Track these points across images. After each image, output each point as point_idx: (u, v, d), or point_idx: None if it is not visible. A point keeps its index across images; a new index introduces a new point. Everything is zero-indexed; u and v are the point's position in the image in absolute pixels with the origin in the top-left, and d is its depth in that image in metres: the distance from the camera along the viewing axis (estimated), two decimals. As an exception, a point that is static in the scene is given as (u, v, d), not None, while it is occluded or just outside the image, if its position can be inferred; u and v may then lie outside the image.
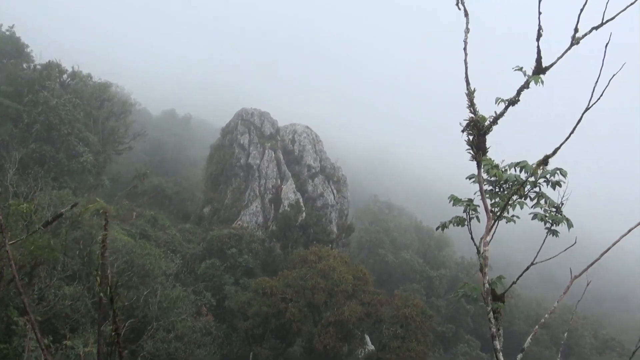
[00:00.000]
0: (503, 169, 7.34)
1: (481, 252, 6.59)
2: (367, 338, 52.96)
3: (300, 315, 45.13)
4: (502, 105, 6.67)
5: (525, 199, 7.42)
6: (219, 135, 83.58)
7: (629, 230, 6.34)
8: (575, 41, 6.45)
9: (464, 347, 67.12)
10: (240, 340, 48.20)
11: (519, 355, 6.49)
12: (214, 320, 47.08)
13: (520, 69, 6.65)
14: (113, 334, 3.90)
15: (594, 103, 6.18)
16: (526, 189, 7.39)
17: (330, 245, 62.41)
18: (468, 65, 6.65)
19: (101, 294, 3.77)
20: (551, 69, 6.56)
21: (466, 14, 6.80)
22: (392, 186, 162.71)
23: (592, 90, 6.15)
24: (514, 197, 7.29)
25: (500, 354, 6.33)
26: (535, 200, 7.47)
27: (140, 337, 36.03)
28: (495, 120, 6.62)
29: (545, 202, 7.43)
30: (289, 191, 73.41)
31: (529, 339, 6.79)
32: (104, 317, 4.08)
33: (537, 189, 7.43)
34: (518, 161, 7.29)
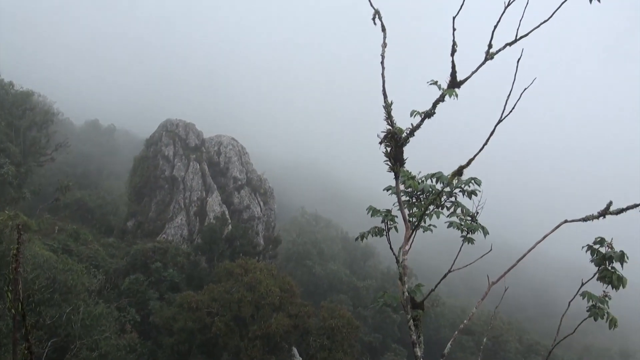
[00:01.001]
0: (420, 180, 7.52)
1: (400, 262, 6.74)
2: (295, 350, 52.78)
3: (226, 330, 44.61)
4: (419, 118, 6.84)
5: (442, 209, 7.62)
6: (143, 146, 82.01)
7: (544, 237, 6.59)
8: (489, 56, 6.66)
9: (390, 356, 67.63)
10: (165, 357, 47.23)
11: (439, 361, 6.66)
12: (138, 337, 45.95)
13: (435, 82, 6.83)
14: (26, 352, 3.77)
15: (507, 115, 6.41)
16: (443, 199, 7.59)
17: (257, 258, 62.03)
18: (385, 78, 6.80)
19: (13, 311, 3.66)
20: (468, 82, 6.77)
21: (383, 29, 6.96)
22: (319, 198, 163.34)
23: (504, 104, 6.38)
24: (431, 207, 7.48)
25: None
26: (451, 210, 7.68)
27: (63, 356, 34.91)
28: (412, 132, 6.79)
29: (462, 211, 7.64)
30: (215, 203, 72.67)
31: (449, 344, 6.97)
32: (21, 336, 3.97)
33: (453, 199, 7.64)
34: (434, 172, 7.48)
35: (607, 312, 6.54)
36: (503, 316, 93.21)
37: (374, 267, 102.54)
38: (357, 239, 8.06)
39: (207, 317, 45.04)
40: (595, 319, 6.53)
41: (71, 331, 36.14)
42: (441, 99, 6.74)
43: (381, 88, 6.78)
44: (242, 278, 46.81)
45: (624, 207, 6.05)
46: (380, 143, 6.85)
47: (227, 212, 72.06)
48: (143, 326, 49.40)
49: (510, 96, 6.31)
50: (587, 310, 6.60)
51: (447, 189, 7.49)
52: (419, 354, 6.47)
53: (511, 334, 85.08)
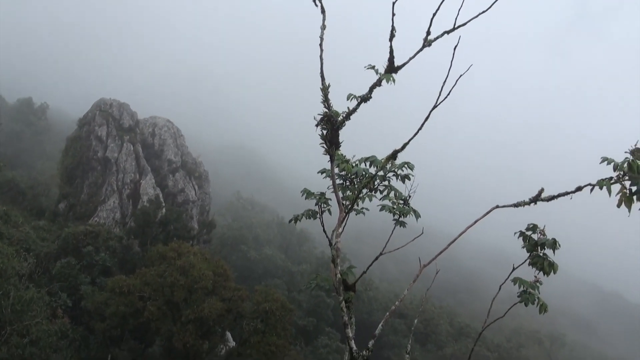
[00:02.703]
0: (354, 164, 7.56)
1: (333, 244, 6.76)
2: (229, 334, 52.65)
3: (159, 314, 44.08)
4: (355, 102, 6.85)
5: (375, 192, 7.67)
6: (76, 126, 79.76)
7: (475, 222, 6.70)
8: (427, 43, 6.70)
9: (324, 340, 68.22)
10: (97, 342, 46.45)
11: (371, 342, 6.72)
12: (70, 322, 45.02)
13: (373, 67, 6.84)
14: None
15: (441, 101, 6.48)
16: (376, 183, 7.65)
17: (191, 242, 61.38)
18: (324, 61, 6.78)
19: None
20: (407, 68, 6.80)
21: (323, 11, 6.92)
22: (255, 182, 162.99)
23: (440, 90, 6.45)
24: (364, 190, 7.53)
25: (352, 341, 6.52)
26: (385, 193, 7.74)
27: (-7, 342, 33.95)
28: (348, 116, 6.80)
29: (395, 195, 7.71)
30: (148, 186, 71.54)
31: (380, 325, 7.04)
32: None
33: (386, 183, 7.71)
34: (368, 156, 7.52)
35: (538, 298, 6.69)
36: (435, 300, 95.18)
37: (309, 251, 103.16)
38: (290, 221, 8.06)
39: (139, 302, 44.41)
40: (526, 305, 6.68)
41: (1, 317, 35.18)
42: (378, 83, 6.75)
43: (319, 70, 6.76)
44: (175, 262, 46.26)
45: (555, 194, 6.19)
46: (317, 126, 6.83)
47: (161, 196, 71.08)
48: (75, 311, 48.46)
49: (446, 83, 6.38)
50: (518, 296, 6.74)
51: (381, 173, 7.54)
52: (350, 334, 6.52)
53: (442, 317, 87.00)
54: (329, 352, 65.17)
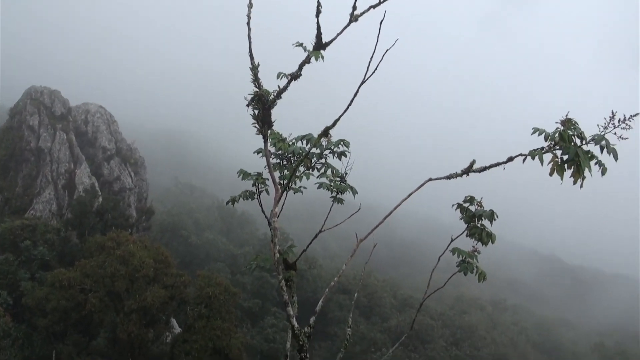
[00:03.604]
0: (290, 142, 7.52)
1: (271, 224, 6.73)
2: (174, 321, 52.31)
3: (101, 306, 43.41)
4: (286, 80, 6.79)
5: (312, 170, 7.66)
6: (8, 116, 76.98)
7: (409, 195, 6.76)
8: (353, 18, 6.67)
9: (271, 320, 68.42)
10: (41, 339, 45.47)
11: (312, 318, 6.74)
12: (12, 320, 43.94)
13: (301, 44, 6.78)
14: None
15: (370, 76, 6.48)
16: (313, 161, 7.64)
17: (130, 230, 60.50)
18: (252, 40, 6.69)
19: None
20: (336, 44, 6.77)
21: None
22: (193, 166, 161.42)
23: (367, 65, 6.45)
24: (301, 169, 7.51)
25: (294, 319, 6.53)
26: (322, 171, 7.74)
27: None
28: (279, 95, 6.74)
29: (332, 172, 7.72)
30: (84, 176, 69.90)
31: (320, 301, 7.07)
32: None
33: (323, 160, 7.71)
34: (304, 134, 7.49)
35: (477, 267, 6.82)
36: (378, 274, 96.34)
37: (251, 233, 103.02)
38: (227, 202, 7.99)
39: (80, 295, 43.65)
40: (465, 274, 6.79)
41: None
42: (307, 60, 6.70)
43: (248, 50, 6.67)
44: (115, 252, 45.50)
45: (487, 165, 6.29)
46: (248, 106, 6.77)
47: (97, 184, 69.62)
48: (16, 309, 47.26)
49: (373, 58, 6.37)
50: (457, 265, 6.85)
51: (317, 151, 7.53)
52: (291, 312, 6.52)
53: (386, 290, 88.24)
54: (275, 332, 65.42)
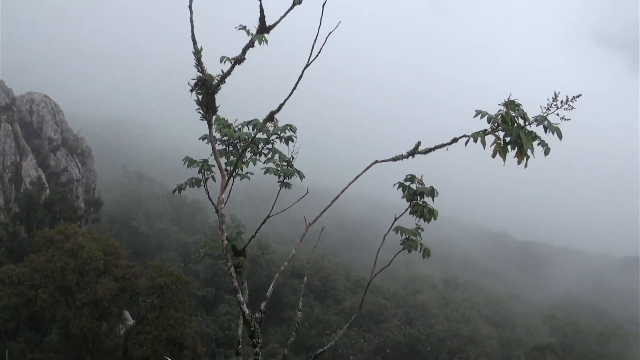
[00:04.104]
0: (236, 128, 7.45)
1: (218, 210, 6.66)
2: (127, 313, 51.75)
3: (52, 301, 42.61)
4: (229, 64, 6.70)
5: (259, 156, 7.63)
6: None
7: (356, 178, 6.76)
8: (297, 1, 6.60)
9: (225, 307, 68.26)
10: (-8, 339, 44.49)
11: (262, 304, 6.72)
12: (-36, 322, 42.83)
13: (244, 28, 6.69)
14: None
15: (313, 60, 6.44)
16: (260, 146, 7.59)
17: (78, 223, 59.44)
18: (194, 23, 6.57)
19: None
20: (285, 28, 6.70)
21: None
22: (141, 155, 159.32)
23: (311, 48, 6.41)
24: (248, 155, 7.46)
25: (244, 305, 6.49)
26: (269, 156, 7.72)
27: None
28: (222, 79, 6.64)
29: (279, 157, 7.70)
30: (30, 168, 68.26)
31: (270, 287, 7.06)
32: None
33: (270, 146, 7.67)
34: (250, 119, 7.43)
35: (420, 244, 6.88)
36: (330, 257, 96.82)
37: (203, 221, 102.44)
38: (174, 191, 7.90)
39: (30, 290, 42.69)
40: (409, 251, 6.85)
41: None
42: (251, 44, 6.62)
43: (190, 34, 6.55)
44: (64, 245, 44.65)
45: (432, 146, 6.33)
46: (192, 91, 6.65)
47: (43, 176, 68.09)
48: (-33, 309, 46.04)
49: (317, 41, 6.34)
50: (401, 244, 6.90)
51: (264, 136, 7.50)
52: (241, 299, 6.48)
53: (339, 272, 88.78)
54: (230, 319, 65.28)
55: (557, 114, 5.71)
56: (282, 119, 7.31)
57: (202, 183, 7.60)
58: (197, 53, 6.59)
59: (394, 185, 6.91)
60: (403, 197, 6.85)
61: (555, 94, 5.75)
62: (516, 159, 5.79)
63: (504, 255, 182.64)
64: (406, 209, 6.84)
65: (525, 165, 5.78)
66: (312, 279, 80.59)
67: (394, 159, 6.55)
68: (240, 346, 6.96)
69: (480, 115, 5.79)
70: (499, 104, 5.82)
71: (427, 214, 6.73)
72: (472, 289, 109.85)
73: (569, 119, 5.69)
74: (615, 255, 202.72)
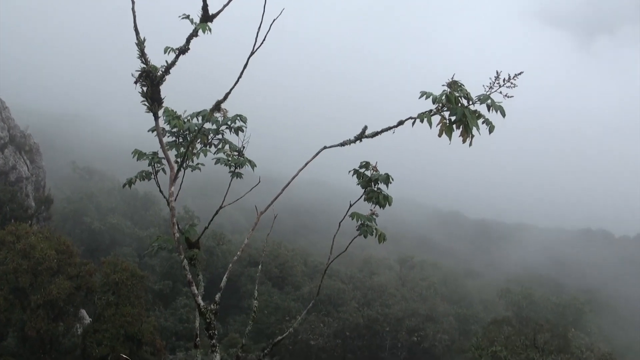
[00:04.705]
0: (185, 119, 7.39)
1: (169, 203, 6.61)
2: (83, 312, 51.01)
3: (6, 304, 41.70)
4: (174, 55, 6.63)
5: (209, 147, 7.58)
6: None
7: (306, 164, 6.77)
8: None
9: (183, 300, 67.73)
10: (-56, 348, 43.41)
11: (217, 295, 6.70)
12: None
13: (187, 16, 6.62)
14: None
15: (258, 47, 6.42)
16: (210, 137, 7.55)
17: (29, 222, 58.25)
18: (136, 13, 6.47)
19: None
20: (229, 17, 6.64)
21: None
22: (90, 150, 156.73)
23: (255, 36, 6.39)
24: (198, 146, 7.41)
25: (199, 297, 6.47)
26: (220, 147, 7.68)
27: None
28: (167, 70, 6.57)
29: (229, 147, 7.67)
30: (-23, 168, 66.49)
31: (224, 277, 7.04)
32: None
33: (220, 136, 7.64)
34: (199, 110, 7.37)
35: (376, 229, 6.94)
36: (287, 244, 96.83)
37: (156, 214, 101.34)
38: (124, 185, 7.80)
39: (-17, 295, 41.81)
40: (365, 236, 6.92)
41: None
42: (194, 33, 6.56)
43: (132, 25, 6.44)
44: (15, 246, 43.74)
45: (379, 130, 6.37)
46: (136, 83, 6.55)
47: (-9, 176, 66.39)
48: None
49: (261, 28, 6.32)
50: (357, 229, 6.95)
51: (214, 127, 7.46)
52: (196, 292, 6.46)
53: (296, 259, 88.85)
54: (189, 311, 64.89)
55: (501, 92, 5.80)
56: (233, 108, 7.29)
57: (152, 176, 7.53)
58: (140, 44, 6.50)
59: (349, 172, 6.95)
60: (358, 184, 6.90)
61: (497, 72, 5.83)
62: (462, 138, 5.88)
63: (458, 234, 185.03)
64: (361, 196, 6.90)
65: (470, 144, 5.87)
66: (270, 266, 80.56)
67: (342, 144, 6.58)
68: (198, 339, 6.93)
69: (425, 96, 5.85)
70: (443, 85, 5.89)
71: (382, 200, 6.80)
72: (428, 268, 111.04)
73: (512, 97, 5.79)
74: (567, 228, 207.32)
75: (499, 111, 5.79)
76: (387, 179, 6.78)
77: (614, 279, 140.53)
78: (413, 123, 5.92)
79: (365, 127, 6.42)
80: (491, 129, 5.91)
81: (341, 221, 7.03)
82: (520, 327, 49.95)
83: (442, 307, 77.90)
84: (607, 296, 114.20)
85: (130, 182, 7.69)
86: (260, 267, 9.30)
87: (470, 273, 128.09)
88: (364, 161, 6.88)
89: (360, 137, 6.45)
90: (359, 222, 6.95)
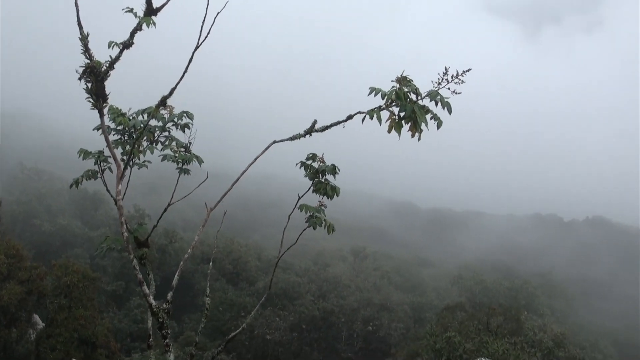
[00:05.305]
0: (131, 117, 7.27)
1: (117, 202, 6.48)
2: (36, 317, 49.99)
3: (-43, 313, 40.79)
4: (118, 49, 6.49)
5: (156, 144, 7.48)
6: None
7: (255, 159, 6.72)
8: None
9: (137, 300, 66.85)
10: None
11: (169, 294, 6.62)
12: None
13: (131, 10, 6.49)
14: None
15: (203, 41, 6.35)
16: (157, 134, 7.45)
17: (-25, 227, 56.86)
18: (79, 7, 6.30)
19: None
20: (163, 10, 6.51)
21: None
22: (37, 150, 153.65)
23: (200, 30, 6.31)
24: (145, 143, 7.30)
25: (150, 297, 6.38)
26: (166, 144, 7.59)
27: None
28: (111, 65, 6.43)
29: (176, 144, 7.59)
30: None
31: (176, 276, 6.96)
32: None
33: (167, 133, 7.55)
34: (145, 107, 7.26)
35: (324, 220, 6.94)
36: (240, 239, 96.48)
37: (106, 213, 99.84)
38: (71, 186, 7.64)
39: None
40: (314, 228, 6.93)
41: None
42: (138, 27, 6.43)
43: (76, 19, 6.27)
44: (-36, 252, 42.68)
45: (328, 124, 6.36)
46: (80, 79, 6.39)
47: None
48: None
49: (205, 22, 6.26)
50: (306, 221, 6.94)
51: (160, 124, 7.37)
52: (147, 291, 6.37)
53: (250, 254, 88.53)
54: (143, 312, 64.03)
55: (449, 88, 5.86)
56: (180, 104, 7.21)
57: (98, 175, 7.40)
58: (84, 38, 6.34)
59: (296, 164, 6.94)
60: (306, 176, 6.90)
61: (445, 68, 5.89)
62: (411, 133, 5.92)
63: (411, 224, 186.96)
64: (309, 188, 6.89)
65: (419, 139, 5.91)
66: (224, 262, 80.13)
67: (292, 139, 6.57)
68: (151, 339, 6.84)
69: (374, 92, 5.85)
70: (392, 80, 5.91)
71: (330, 191, 6.82)
72: (381, 259, 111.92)
73: (460, 93, 5.84)
74: (518, 214, 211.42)
75: (445, 108, 5.86)
76: (333, 170, 6.80)
77: (564, 262, 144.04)
78: (363, 119, 5.93)
79: (315, 122, 6.41)
80: (439, 124, 5.98)
81: (290, 214, 7.03)
82: (473, 312, 50.71)
83: (396, 296, 78.63)
84: (559, 279, 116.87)
85: (77, 183, 7.54)
86: (211, 263, 9.22)
87: (423, 262, 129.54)
88: (310, 153, 6.89)
89: (310, 131, 6.43)
90: (308, 214, 6.94)
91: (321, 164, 6.82)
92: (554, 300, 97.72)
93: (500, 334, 43.90)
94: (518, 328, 46.31)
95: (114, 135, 7.28)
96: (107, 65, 6.42)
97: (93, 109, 6.51)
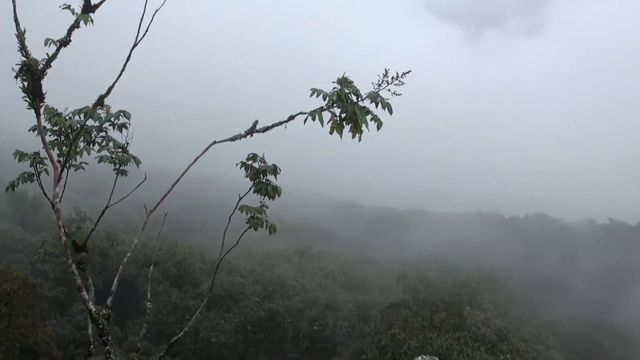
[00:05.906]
0: (67, 117, 7.10)
1: (54, 205, 6.30)
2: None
3: None
4: (55, 47, 6.32)
5: (93, 145, 7.34)
6: None
7: (195, 159, 6.65)
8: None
9: (79, 306, 65.38)
10: None
11: (109, 299, 6.49)
12: None
13: (68, 7, 6.33)
14: None
15: (141, 39, 6.25)
16: (93, 135, 7.31)
17: None
18: (16, 3, 6.10)
19: None
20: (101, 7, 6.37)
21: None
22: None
23: (138, 27, 6.21)
24: (82, 144, 7.14)
25: (90, 303, 6.24)
26: (103, 144, 7.46)
27: None
28: (48, 63, 6.24)
29: (113, 144, 7.47)
30: None
31: (115, 280, 6.82)
32: None
33: (103, 133, 7.41)
34: (81, 107, 7.10)
35: (266, 221, 6.90)
36: (184, 241, 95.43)
37: (47, 217, 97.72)
38: (7, 189, 7.41)
39: None
40: (255, 229, 6.91)
41: None
42: (76, 25, 6.27)
43: (12, 14, 6.07)
44: None
45: (269, 125, 6.35)
46: (16, 77, 6.19)
47: None
48: None
49: (144, 20, 6.16)
50: (247, 222, 6.90)
51: (97, 124, 7.23)
52: (86, 297, 6.22)
53: (194, 256, 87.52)
54: (86, 318, 61.94)
55: (389, 90, 5.91)
56: (115, 104, 7.07)
57: (34, 177, 7.20)
58: (21, 35, 6.14)
59: (237, 165, 6.89)
60: (246, 177, 6.86)
61: (385, 70, 5.95)
62: (352, 134, 5.95)
63: (355, 223, 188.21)
64: (250, 188, 6.85)
65: (359, 140, 5.96)
66: (167, 265, 79.00)
67: (233, 139, 6.52)
68: (92, 346, 6.68)
69: (316, 93, 5.87)
70: (333, 82, 5.93)
71: (271, 191, 6.80)
72: (326, 258, 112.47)
73: (400, 94, 5.90)
74: (459, 212, 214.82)
75: (386, 108, 5.91)
76: (274, 170, 6.79)
77: (505, 258, 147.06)
78: (305, 120, 5.92)
79: (256, 122, 6.38)
80: (379, 125, 6.03)
81: (231, 215, 6.97)
82: (417, 309, 51.32)
83: (341, 295, 79.06)
84: (500, 274, 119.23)
85: (12, 186, 7.32)
86: (152, 267, 9.08)
87: (367, 260, 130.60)
88: (251, 153, 6.86)
89: (250, 131, 6.39)
90: (249, 215, 6.90)
91: (262, 164, 6.79)
92: (495, 295, 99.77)
93: (444, 330, 44.53)
94: (461, 323, 47.02)
95: (50, 136, 7.10)
96: (44, 63, 6.25)
97: (30, 108, 6.32)
